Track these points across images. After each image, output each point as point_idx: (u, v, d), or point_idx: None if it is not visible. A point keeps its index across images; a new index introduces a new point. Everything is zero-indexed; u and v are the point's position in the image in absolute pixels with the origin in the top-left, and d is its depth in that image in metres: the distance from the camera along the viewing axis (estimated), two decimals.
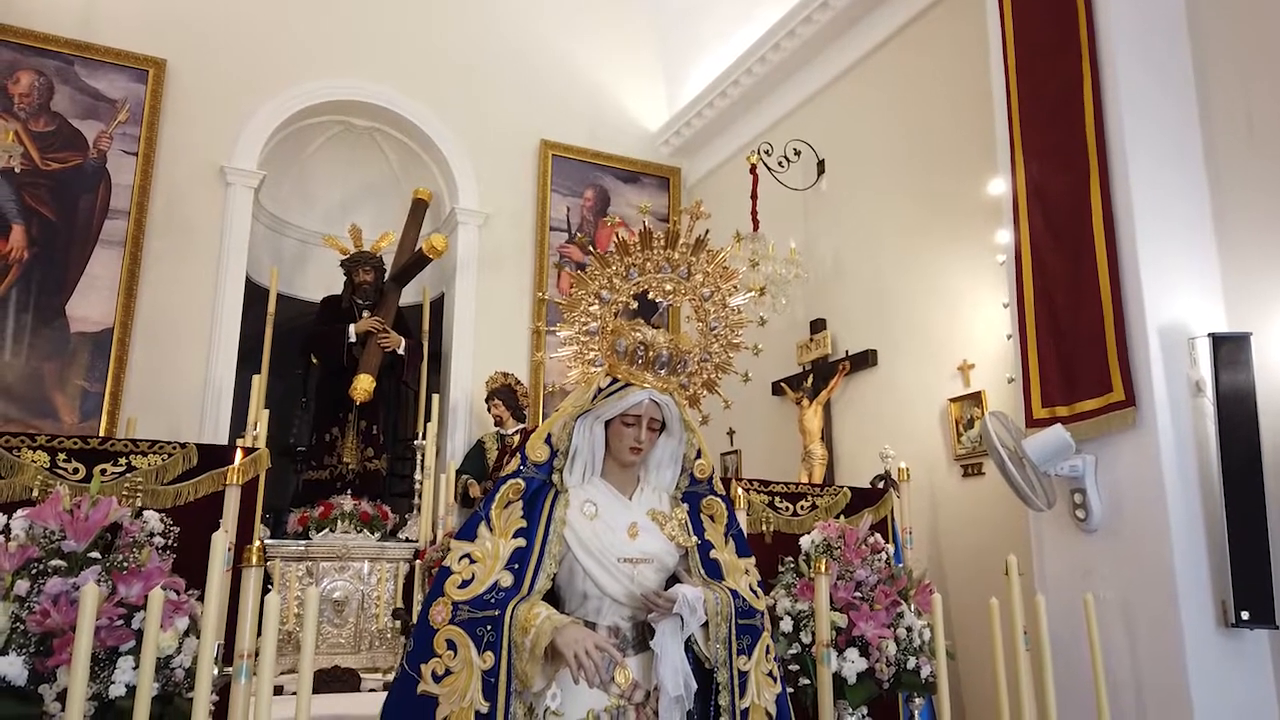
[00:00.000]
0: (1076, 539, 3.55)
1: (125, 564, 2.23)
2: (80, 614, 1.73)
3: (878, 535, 3.58)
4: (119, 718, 2.07)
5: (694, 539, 2.34)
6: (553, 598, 2.25)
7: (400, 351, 6.27)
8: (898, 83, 5.57)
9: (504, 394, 6.36)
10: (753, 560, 2.47)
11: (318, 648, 5.04)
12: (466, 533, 2.26)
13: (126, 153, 6.00)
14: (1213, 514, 3.26)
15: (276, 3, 6.66)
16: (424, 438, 5.97)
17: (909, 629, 3.32)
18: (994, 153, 4.09)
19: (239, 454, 3.07)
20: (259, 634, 1.82)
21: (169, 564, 2.37)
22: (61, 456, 2.89)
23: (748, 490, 3.85)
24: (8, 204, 5.68)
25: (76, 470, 2.88)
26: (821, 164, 6.15)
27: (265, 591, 2.01)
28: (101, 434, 5.43)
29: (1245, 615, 3.12)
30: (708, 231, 2.47)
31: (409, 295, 6.76)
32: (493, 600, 2.10)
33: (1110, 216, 3.48)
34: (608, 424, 2.33)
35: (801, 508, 4.04)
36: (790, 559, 3.53)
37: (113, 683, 2.09)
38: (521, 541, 2.20)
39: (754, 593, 2.36)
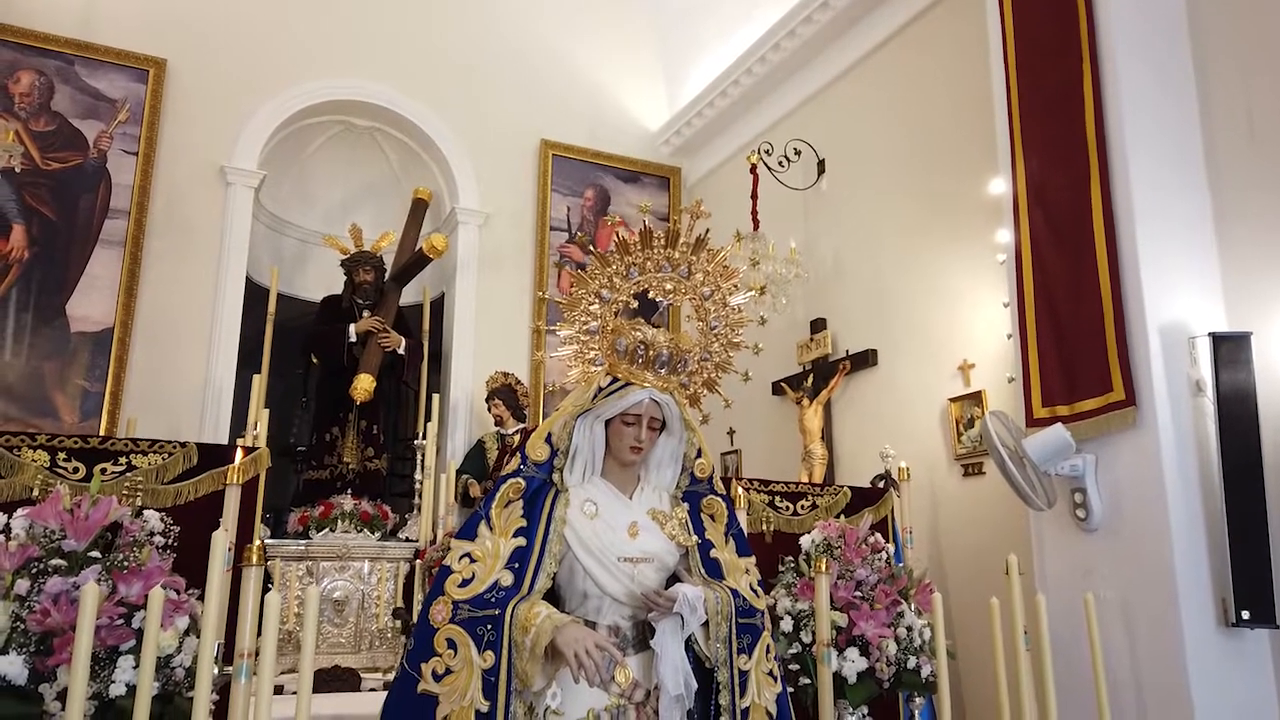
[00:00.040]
0: (1077, 538, 3.55)
1: (125, 563, 2.23)
2: (80, 613, 1.73)
3: (878, 535, 3.57)
4: (119, 717, 2.07)
5: (694, 538, 2.34)
6: (553, 597, 2.25)
7: (400, 351, 6.27)
8: (898, 82, 5.57)
9: (504, 394, 6.36)
10: (753, 559, 2.47)
11: (318, 647, 5.04)
12: (467, 532, 2.26)
13: (127, 152, 6.00)
14: (1213, 513, 3.26)
15: (277, 3, 6.67)
16: (424, 437, 5.97)
17: (909, 628, 3.32)
18: (994, 152, 4.09)
19: (239, 453, 3.06)
20: (259, 633, 1.82)
21: (169, 563, 2.36)
22: (62, 456, 2.89)
23: (748, 490, 3.85)
24: (8, 204, 5.68)
25: (77, 469, 2.88)
26: (822, 164, 6.15)
27: (265, 591, 2.01)
28: (102, 433, 5.43)
29: (1246, 615, 3.11)
30: (708, 231, 2.47)
31: (409, 295, 6.76)
32: (493, 599, 2.10)
33: (1110, 216, 3.48)
34: (608, 423, 2.33)
35: (802, 507, 4.04)
36: (790, 558, 3.53)
37: (113, 682, 2.09)
38: (522, 541, 2.20)
39: (754, 592, 2.36)
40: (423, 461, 5.81)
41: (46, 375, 5.58)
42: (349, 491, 5.81)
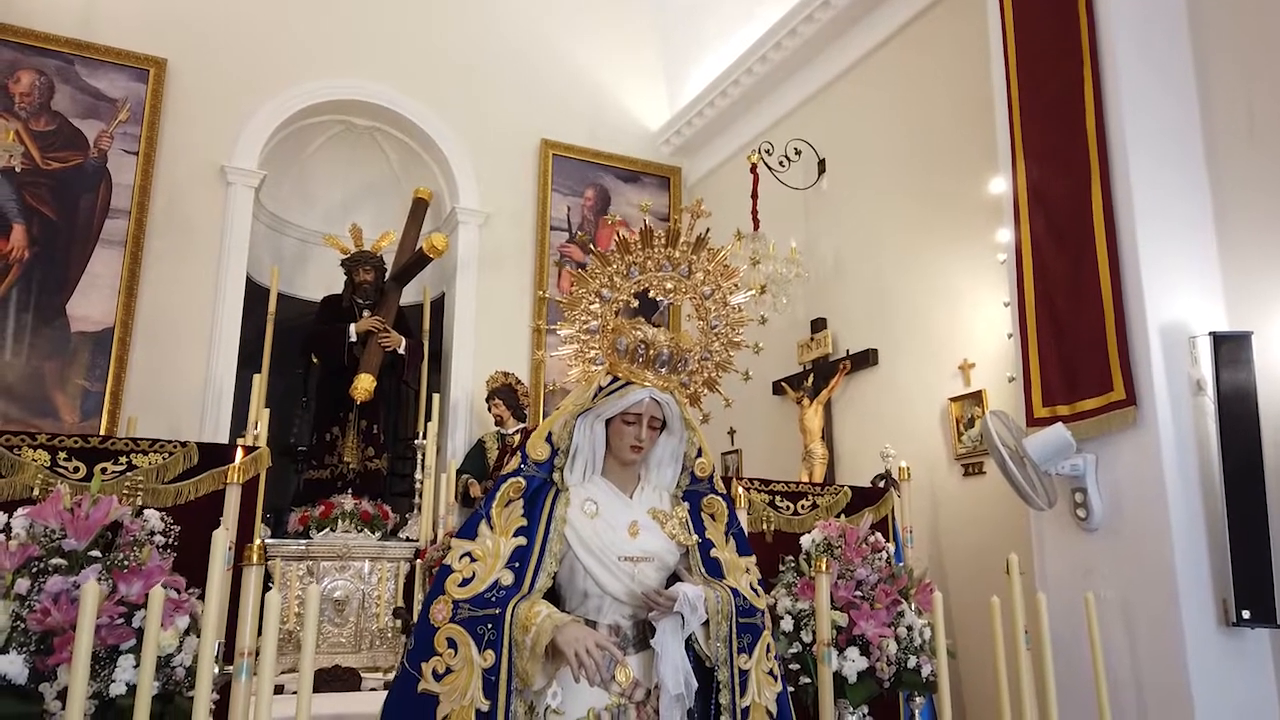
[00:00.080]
0: (1077, 538, 3.55)
1: (126, 562, 2.23)
2: (81, 612, 1.73)
3: (878, 534, 3.58)
4: (119, 716, 2.07)
5: (694, 537, 2.34)
6: (553, 596, 2.25)
7: (401, 351, 6.27)
8: (898, 82, 5.57)
9: (504, 393, 6.36)
10: (753, 559, 2.47)
11: (318, 647, 5.04)
12: (467, 531, 2.26)
13: (127, 152, 6.00)
14: (1214, 513, 3.25)
15: (277, 2, 6.66)
16: (424, 437, 5.97)
17: (910, 628, 3.32)
18: (994, 152, 4.08)
19: (240, 453, 3.06)
20: (259, 633, 1.82)
21: (169, 563, 2.36)
22: (62, 455, 2.89)
23: (748, 489, 3.85)
24: (8, 203, 5.68)
25: (77, 469, 2.88)
26: (822, 163, 6.15)
27: (265, 590, 2.01)
28: (102, 433, 5.43)
29: (1246, 614, 3.11)
30: (708, 230, 2.47)
31: (409, 295, 6.76)
32: (493, 599, 2.10)
33: (1111, 215, 3.47)
34: (608, 422, 2.33)
35: (802, 507, 4.04)
36: (791, 558, 3.53)
37: (113, 681, 2.09)
38: (522, 540, 2.20)
39: (754, 591, 2.36)
40: (423, 461, 5.81)
41: (47, 375, 5.58)
42: (349, 491, 5.81)
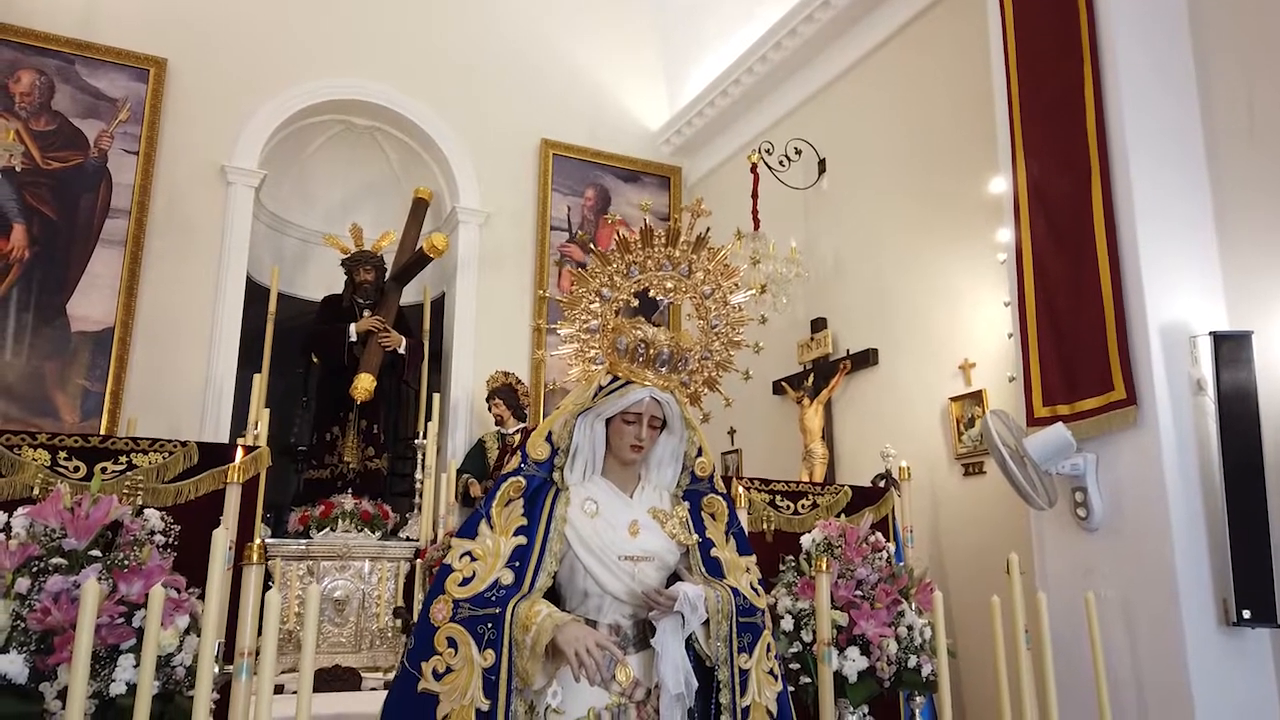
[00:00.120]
0: (1077, 538, 3.55)
1: (126, 562, 2.23)
2: (81, 612, 1.72)
3: (879, 534, 3.57)
4: (120, 716, 2.07)
5: (695, 537, 2.34)
6: (554, 596, 2.25)
7: (401, 350, 6.27)
8: (899, 82, 5.57)
9: (504, 393, 6.36)
10: (753, 558, 2.47)
11: (318, 647, 5.04)
12: (467, 530, 2.26)
13: (127, 152, 6.00)
14: (1214, 513, 3.25)
15: (277, 2, 6.66)
16: (425, 437, 5.96)
17: (910, 627, 3.32)
18: (995, 151, 4.08)
19: (240, 452, 3.06)
20: (259, 632, 1.82)
21: (169, 562, 2.36)
22: (62, 455, 2.88)
23: (749, 489, 3.85)
24: (9, 203, 5.68)
25: (77, 468, 2.88)
26: (822, 163, 6.15)
27: (265, 590, 2.00)
28: (102, 433, 5.43)
29: (1246, 614, 3.11)
30: (708, 230, 2.47)
31: (410, 294, 6.76)
32: (494, 598, 2.10)
33: (1111, 215, 3.47)
34: (608, 422, 2.33)
35: (802, 506, 4.04)
36: (791, 557, 3.53)
37: (113, 681, 2.09)
38: (522, 539, 2.20)
39: (755, 591, 2.36)
40: (423, 461, 5.80)
41: (47, 375, 5.58)
42: (349, 491, 5.81)
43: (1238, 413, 3.20)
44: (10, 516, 2.25)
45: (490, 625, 2.06)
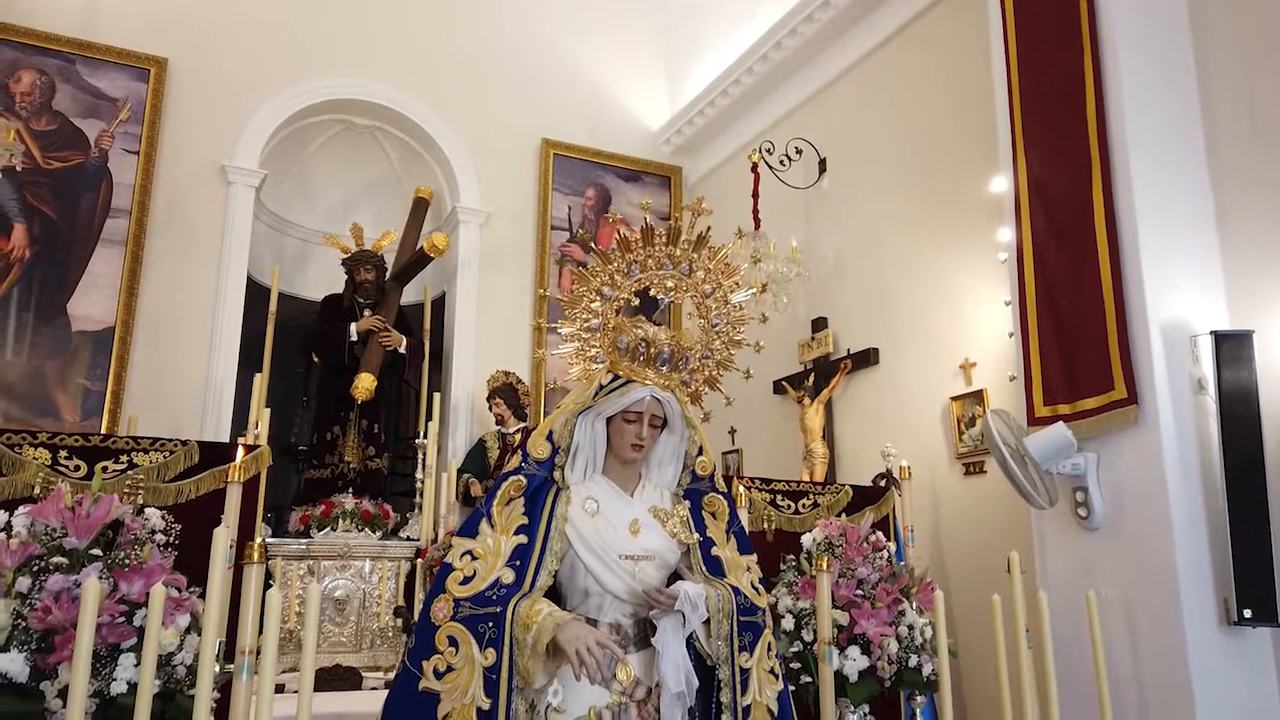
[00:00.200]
0: (1078, 537, 3.55)
1: (127, 561, 2.24)
2: (82, 611, 1.72)
3: (879, 533, 3.58)
4: (120, 714, 2.07)
5: (695, 536, 2.34)
6: (554, 595, 2.25)
7: (401, 350, 6.27)
8: (899, 81, 5.56)
9: (505, 393, 6.36)
10: (754, 557, 2.46)
11: (319, 646, 5.04)
12: (468, 529, 2.26)
13: (128, 151, 6.00)
14: (1215, 512, 3.25)
15: (278, 2, 6.66)
16: (425, 436, 5.96)
17: (911, 627, 3.32)
18: (995, 151, 4.08)
19: (240, 451, 3.06)
20: (260, 631, 1.82)
21: (170, 561, 2.36)
22: (63, 454, 2.88)
23: (749, 488, 3.85)
24: (9, 203, 5.68)
25: (78, 467, 2.88)
26: (823, 162, 6.15)
27: (266, 589, 2.00)
28: (103, 432, 5.43)
29: (1247, 613, 3.11)
30: (709, 229, 2.47)
31: (410, 294, 6.76)
32: (494, 597, 2.10)
33: (1112, 214, 3.47)
34: (609, 421, 2.33)
35: (803, 506, 4.04)
36: (792, 557, 3.53)
37: (114, 680, 2.09)
38: (523, 538, 2.20)
39: (755, 590, 2.36)
40: (424, 460, 5.80)
41: (48, 374, 5.58)
42: (350, 490, 5.81)
43: (1239, 412, 3.19)
44: (11, 515, 2.25)
45: (491, 624, 2.06)
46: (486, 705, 2.00)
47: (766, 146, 6.08)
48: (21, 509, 2.26)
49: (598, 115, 7.55)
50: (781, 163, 6.08)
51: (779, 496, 4.01)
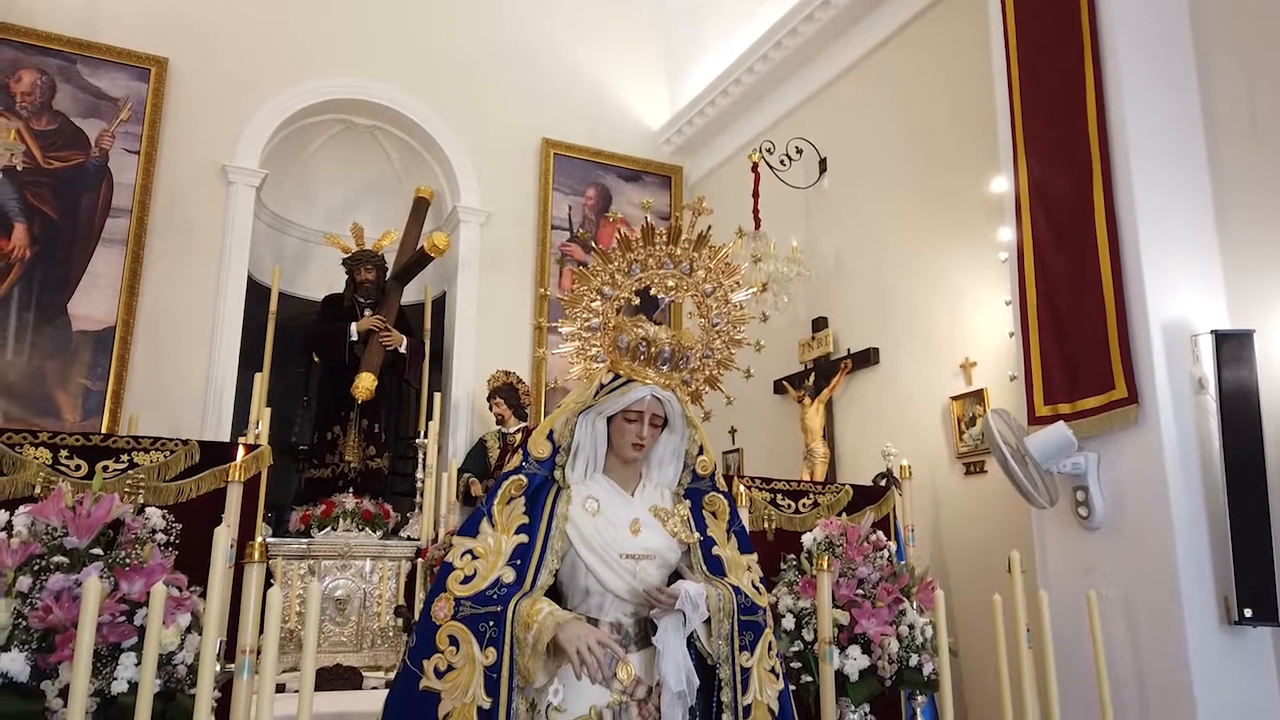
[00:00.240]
0: (1079, 536, 3.55)
1: (127, 560, 2.24)
2: (82, 610, 1.72)
3: (880, 533, 3.57)
4: (121, 714, 2.07)
5: (696, 535, 2.34)
6: (555, 594, 2.25)
7: (402, 350, 6.27)
8: (899, 81, 5.56)
9: (505, 392, 6.36)
10: (755, 557, 2.47)
11: (320, 646, 5.04)
12: (469, 529, 2.26)
13: (128, 151, 6.00)
14: (1215, 511, 3.25)
15: (278, 2, 6.66)
16: (426, 436, 5.96)
17: (911, 626, 3.32)
18: (996, 150, 4.08)
19: (241, 451, 3.06)
20: (261, 631, 1.82)
21: (171, 560, 2.36)
22: (64, 453, 2.88)
23: (750, 488, 3.84)
24: (10, 202, 5.68)
25: (79, 467, 2.88)
26: (823, 162, 6.15)
27: (267, 588, 2.00)
28: (104, 431, 5.44)
29: (1248, 613, 3.11)
30: (710, 228, 2.47)
31: (411, 294, 6.76)
32: (495, 596, 2.10)
33: (1112, 214, 3.47)
34: (610, 420, 2.33)
35: (804, 505, 4.04)
36: (792, 556, 3.53)
37: (115, 679, 2.09)
38: (524, 538, 2.20)
39: (756, 589, 2.36)
40: (424, 460, 5.80)
41: (48, 374, 5.58)
42: (350, 490, 5.81)
43: (1239, 411, 3.20)
44: (12, 515, 2.25)
45: (492, 623, 2.06)
46: (487, 704, 2.00)
47: (767, 146, 6.08)
48: (22, 508, 2.26)
49: (598, 115, 7.55)
50: (782, 162, 6.08)
51: (779, 496, 4.01)
